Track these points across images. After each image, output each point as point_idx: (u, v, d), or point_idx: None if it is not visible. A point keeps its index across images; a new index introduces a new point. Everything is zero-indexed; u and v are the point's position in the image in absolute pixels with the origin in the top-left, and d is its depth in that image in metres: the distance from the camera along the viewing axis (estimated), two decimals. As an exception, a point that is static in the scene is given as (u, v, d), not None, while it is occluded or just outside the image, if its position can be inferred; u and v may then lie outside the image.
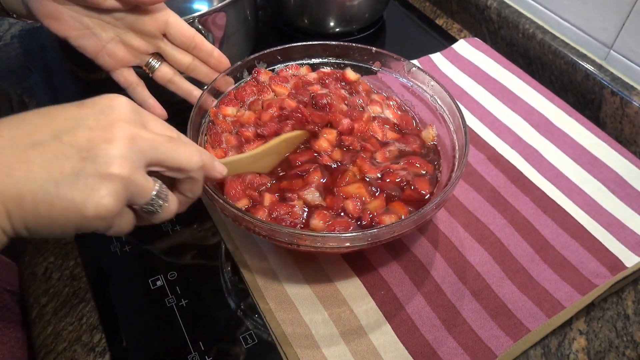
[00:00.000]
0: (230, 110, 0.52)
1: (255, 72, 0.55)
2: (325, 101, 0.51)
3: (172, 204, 0.34)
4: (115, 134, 0.29)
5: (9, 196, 0.27)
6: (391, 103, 0.55)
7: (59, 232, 0.29)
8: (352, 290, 0.47)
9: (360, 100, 0.54)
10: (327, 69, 0.57)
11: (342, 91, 0.55)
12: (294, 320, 0.44)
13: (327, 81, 0.56)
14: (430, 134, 0.51)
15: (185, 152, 0.33)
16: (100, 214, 0.28)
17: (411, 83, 0.54)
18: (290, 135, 0.48)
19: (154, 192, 0.32)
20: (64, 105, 0.30)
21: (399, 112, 0.54)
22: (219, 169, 0.38)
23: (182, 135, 0.36)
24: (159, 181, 0.32)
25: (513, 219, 0.52)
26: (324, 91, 0.53)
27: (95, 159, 0.28)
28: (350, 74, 0.56)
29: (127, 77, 0.50)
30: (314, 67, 0.57)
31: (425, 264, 0.48)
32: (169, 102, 0.52)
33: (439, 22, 0.82)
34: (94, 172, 0.28)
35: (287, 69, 0.56)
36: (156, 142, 0.31)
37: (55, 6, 0.45)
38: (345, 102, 0.54)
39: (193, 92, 0.51)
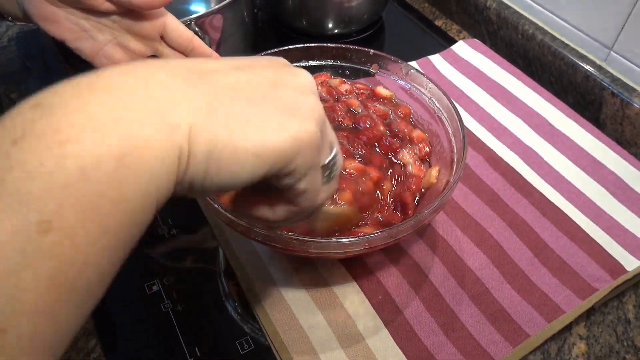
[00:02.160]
0: None
1: None
2: (366, 124, 0.49)
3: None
4: (311, 89, 0.27)
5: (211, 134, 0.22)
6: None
7: (244, 174, 0.24)
8: (350, 294, 0.46)
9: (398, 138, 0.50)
10: (361, 84, 0.55)
11: (381, 107, 0.53)
12: (290, 325, 0.44)
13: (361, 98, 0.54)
14: (432, 175, 0.48)
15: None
16: (300, 140, 0.24)
17: (409, 85, 0.53)
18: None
19: (335, 149, 0.29)
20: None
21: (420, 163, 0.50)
22: None
23: None
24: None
25: (512, 222, 0.51)
26: (364, 112, 0.51)
27: (300, 100, 0.26)
28: (383, 91, 0.54)
29: None
30: (312, 70, 0.57)
31: (423, 268, 0.48)
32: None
33: (438, 23, 0.82)
34: (288, 85, 0.26)
35: (316, 78, 0.55)
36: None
37: (52, 9, 0.44)
38: (384, 128, 0.51)
39: None
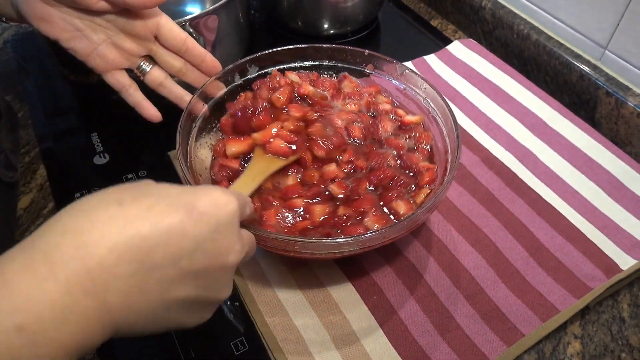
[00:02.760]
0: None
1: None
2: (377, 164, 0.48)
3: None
4: (229, 261, 0.30)
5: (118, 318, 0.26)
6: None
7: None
8: (345, 295, 0.46)
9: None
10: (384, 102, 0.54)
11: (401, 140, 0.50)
12: (285, 326, 0.44)
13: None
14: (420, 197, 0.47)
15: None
16: (201, 323, 0.31)
17: (404, 86, 0.53)
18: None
19: (240, 252, 0.32)
20: (177, 210, 0.28)
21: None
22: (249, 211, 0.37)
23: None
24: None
25: (507, 222, 0.51)
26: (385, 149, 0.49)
27: (209, 288, 0.30)
28: (412, 118, 0.52)
29: (120, 79, 0.49)
30: (308, 70, 0.57)
31: (418, 268, 0.48)
32: (162, 104, 0.52)
33: (434, 23, 0.82)
34: (206, 300, 0.30)
35: (369, 88, 0.54)
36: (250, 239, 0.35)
37: (46, 8, 0.44)
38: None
39: (184, 97, 0.51)
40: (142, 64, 0.49)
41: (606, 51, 0.62)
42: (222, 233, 0.29)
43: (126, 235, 0.25)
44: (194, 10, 0.75)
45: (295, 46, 0.55)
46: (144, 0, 0.44)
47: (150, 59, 0.50)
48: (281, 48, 0.54)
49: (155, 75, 0.50)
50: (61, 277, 0.24)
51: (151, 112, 0.51)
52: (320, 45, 0.55)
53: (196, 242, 0.28)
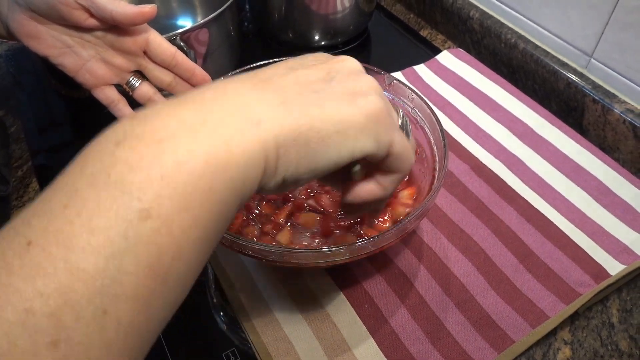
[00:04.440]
0: None
1: None
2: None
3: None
4: (360, 70, 0.29)
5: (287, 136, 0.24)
6: None
7: (326, 165, 0.26)
8: (336, 304, 0.46)
9: None
10: None
11: None
12: (276, 336, 0.44)
13: None
14: (404, 197, 0.49)
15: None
16: (377, 115, 0.27)
17: (392, 96, 0.54)
18: None
19: (400, 110, 0.31)
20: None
21: None
22: None
23: None
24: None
25: (497, 229, 0.52)
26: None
27: (358, 81, 0.28)
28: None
29: (109, 94, 0.50)
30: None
31: (409, 276, 0.48)
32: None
33: (424, 33, 0.83)
34: (357, 90, 0.27)
35: None
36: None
37: (35, 25, 0.45)
38: None
39: None
40: (131, 79, 0.50)
41: (592, 59, 0.62)
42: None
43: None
44: (185, 23, 0.76)
45: (286, 58, 0.55)
46: (132, 17, 0.44)
47: (140, 74, 0.50)
48: (270, 60, 0.55)
49: (144, 91, 0.50)
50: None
51: None
52: (309, 57, 0.56)
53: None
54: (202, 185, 0.21)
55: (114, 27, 0.46)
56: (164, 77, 0.50)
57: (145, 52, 0.49)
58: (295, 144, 0.24)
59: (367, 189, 0.30)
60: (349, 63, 0.29)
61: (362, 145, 0.26)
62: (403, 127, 0.31)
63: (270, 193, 0.27)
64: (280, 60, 0.53)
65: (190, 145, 0.21)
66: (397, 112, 0.31)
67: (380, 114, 0.27)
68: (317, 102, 0.25)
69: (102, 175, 0.19)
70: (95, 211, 0.18)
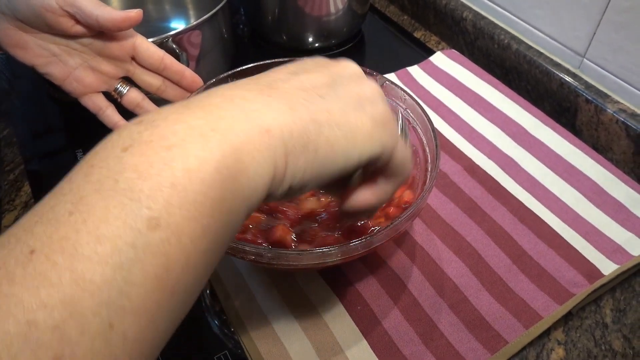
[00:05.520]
0: None
1: None
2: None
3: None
4: (361, 75, 0.29)
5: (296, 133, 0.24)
6: None
7: (334, 170, 0.26)
8: (329, 306, 0.46)
9: None
10: None
11: None
12: (268, 339, 0.44)
13: None
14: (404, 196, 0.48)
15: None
16: (383, 120, 0.27)
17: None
18: None
19: (398, 114, 0.32)
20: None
21: None
22: None
23: None
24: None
25: (490, 230, 0.52)
26: None
27: (361, 86, 0.28)
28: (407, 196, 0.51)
29: (96, 101, 0.50)
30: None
31: (402, 277, 0.48)
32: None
33: (417, 34, 0.83)
34: (362, 95, 0.27)
35: None
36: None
37: (20, 35, 0.45)
38: None
39: None
40: (118, 86, 0.50)
41: (585, 59, 0.63)
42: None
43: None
44: (178, 26, 0.76)
45: (276, 60, 0.55)
46: (119, 22, 0.44)
47: (127, 80, 0.50)
48: (262, 62, 0.55)
49: (132, 97, 0.50)
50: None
51: None
52: (301, 58, 0.55)
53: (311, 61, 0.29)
54: (213, 195, 0.20)
55: (101, 33, 0.46)
56: (153, 81, 0.50)
57: (133, 58, 0.48)
58: (304, 151, 0.23)
59: (368, 194, 0.30)
60: (351, 68, 0.29)
61: (370, 150, 0.26)
62: (402, 131, 0.31)
63: (275, 200, 0.27)
64: (275, 62, 0.53)
65: (200, 153, 0.20)
66: (397, 116, 0.31)
67: (387, 120, 0.27)
68: (324, 108, 0.25)
69: (110, 182, 0.19)
70: (102, 219, 0.18)
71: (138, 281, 0.18)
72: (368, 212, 0.32)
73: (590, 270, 0.48)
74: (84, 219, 0.18)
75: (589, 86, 0.61)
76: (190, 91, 0.51)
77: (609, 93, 0.60)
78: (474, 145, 0.61)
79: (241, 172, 0.21)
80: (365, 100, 0.27)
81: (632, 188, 0.54)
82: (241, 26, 0.84)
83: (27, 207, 0.56)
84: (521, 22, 0.69)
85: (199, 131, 0.21)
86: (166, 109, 0.22)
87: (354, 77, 0.28)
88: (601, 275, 0.47)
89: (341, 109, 0.25)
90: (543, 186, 0.56)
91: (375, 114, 0.26)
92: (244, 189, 0.21)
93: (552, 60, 0.65)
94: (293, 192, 0.25)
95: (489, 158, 0.59)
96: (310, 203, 0.48)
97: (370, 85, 0.28)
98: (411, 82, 0.70)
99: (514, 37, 0.69)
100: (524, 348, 0.44)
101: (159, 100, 0.52)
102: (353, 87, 0.27)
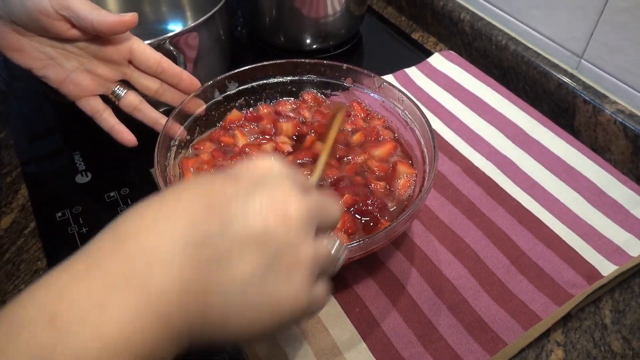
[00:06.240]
0: None
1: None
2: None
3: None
4: (291, 210, 0.26)
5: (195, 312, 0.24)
6: None
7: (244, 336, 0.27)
8: (327, 308, 0.46)
9: None
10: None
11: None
12: (267, 342, 0.43)
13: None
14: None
15: (333, 204, 0.30)
16: (298, 302, 0.26)
17: (382, 98, 0.54)
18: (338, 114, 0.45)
19: (336, 252, 0.29)
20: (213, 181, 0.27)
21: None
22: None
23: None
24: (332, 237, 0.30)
25: (489, 231, 0.51)
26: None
27: (282, 254, 0.25)
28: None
29: (93, 105, 0.50)
30: (289, 85, 0.57)
31: (401, 279, 0.48)
32: (138, 128, 0.52)
33: (415, 36, 0.83)
34: (283, 264, 0.25)
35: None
36: (319, 202, 0.28)
37: (17, 38, 0.44)
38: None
39: (159, 121, 0.51)
40: (116, 89, 0.49)
41: (582, 60, 0.63)
42: (270, 184, 0.26)
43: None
44: (175, 28, 0.75)
45: (274, 62, 0.55)
46: (114, 26, 0.44)
47: (125, 83, 0.50)
48: (259, 64, 0.55)
49: (130, 100, 0.50)
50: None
51: (125, 136, 0.51)
52: (299, 60, 0.55)
53: (239, 196, 0.25)
54: None
55: (97, 37, 0.46)
56: (151, 84, 0.50)
57: (130, 61, 0.48)
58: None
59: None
60: (302, 251, 0.26)
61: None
62: (336, 256, 0.30)
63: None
64: (272, 64, 0.53)
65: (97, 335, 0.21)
66: (335, 260, 0.30)
67: (298, 313, 0.27)
68: (240, 312, 0.25)
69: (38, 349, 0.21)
70: None
71: None
72: None
73: (589, 271, 0.48)
74: None
75: (586, 87, 0.61)
76: (187, 94, 0.51)
77: (607, 94, 0.60)
78: (472, 147, 0.60)
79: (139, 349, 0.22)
80: (287, 296, 0.26)
81: (631, 189, 0.54)
82: (239, 28, 0.84)
83: (24, 209, 0.56)
84: (519, 23, 0.69)
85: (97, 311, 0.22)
86: (72, 272, 0.23)
87: (290, 247, 0.26)
88: (600, 276, 0.47)
89: (255, 316, 0.26)
90: (541, 187, 0.56)
91: (288, 314, 0.26)
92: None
93: (549, 61, 0.65)
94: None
95: (487, 159, 0.59)
96: None
97: (300, 278, 0.26)
98: (409, 83, 0.70)
99: (511, 38, 0.69)
100: (523, 349, 0.44)
101: (157, 103, 0.52)
102: (282, 274, 0.25)
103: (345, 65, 0.55)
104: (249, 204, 0.25)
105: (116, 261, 0.23)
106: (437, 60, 0.72)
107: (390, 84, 0.52)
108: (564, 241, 0.50)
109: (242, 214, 0.25)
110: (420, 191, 0.45)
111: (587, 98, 0.60)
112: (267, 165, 0.27)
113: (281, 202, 0.26)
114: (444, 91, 0.68)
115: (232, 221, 0.25)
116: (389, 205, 0.48)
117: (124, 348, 0.22)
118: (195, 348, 0.26)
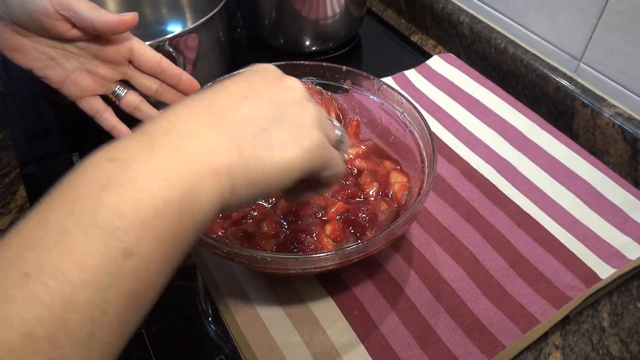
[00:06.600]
0: None
1: None
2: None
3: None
4: (304, 97, 0.32)
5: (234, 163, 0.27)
6: None
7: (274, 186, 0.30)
8: (326, 310, 0.46)
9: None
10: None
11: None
12: (265, 344, 0.43)
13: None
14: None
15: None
16: (317, 148, 0.30)
17: (381, 101, 0.54)
18: None
19: (336, 124, 0.35)
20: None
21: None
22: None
23: None
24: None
25: (487, 234, 0.51)
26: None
27: (302, 115, 0.31)
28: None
29: (94, 105, 0.50)
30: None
31: (399, 281, 0.48)
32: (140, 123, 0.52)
33: (414, 38, 0.83)
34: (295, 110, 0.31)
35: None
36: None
37: (17, 38, 0.44)
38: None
39: None
40: (116, 89, 0.49)
41: (581, 63, 0.63)
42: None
43: None
44: (175, 29, 0.75)
45: (273, 64, 0.55)
46: (114, 25, 0.44)
47: (125, 83, 0.50)
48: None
49: (130, 100, 0.50)
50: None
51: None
52: (298, 62, 0.55)
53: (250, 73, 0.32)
54: (174, 228, 0.24)
55: (97, 37, 0.46)
56: (151, 84, 0.50)
57: (130, 61, 0.48)
58: (247, 185, 0.28)
59: (305, 195, 0.36)
60: (295, 92, 0.32)
61: (302, 174, 0.30)
62: (340, 140, 0.35)
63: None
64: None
65: (167, 194, 0.24)
66: (335, 127, 0.35)
67: (320, 148, 0.31)
68: (267, 144, 0.29)
69: (89, 218, 0.22)
70: (85, 250, 0.21)
71: (114, 300, 0.22)
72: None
73: (587, 274, 0.48)
74: (69, 249, 0.21)
75: (585, 90, 0.61)
76: (187, 94, 0.51)
77: (606, 97, 0.60)
78: (471, 149, 0.61)
79: (196, 206, 0.25)
80: (304, 132, 0.30)
81: (629, 192, 0.54)
82: (238, 29, 0.84)
83: (22, 210, 0.56)
84: (518, 26, 0.70)
85: (165, 175, 0.24)
86: (134, 146, 0.25)
87: (298, 103, 0.31)
88: (598, 279, 0.47)
89: (282, 146, 0.29)
90: (540, 190, 0.56)
91: (312, 145, 0.30)
92: (199, 222, 0.26)
93: (548, 64, 0.65)
94: (239, 208, 0.30)
95: (486, 162, 0.59)
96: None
97: (311, 110, 0.31)
98: (408, 85, 0.70)
99: (510, 41, 0.69)
100: (521, 352, 0.44)
101: (157, 103, 0.52)
102: (295, 118, 0.31)
103: (344, 68, 0.55)
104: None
105: (169, 137, 0.26)
106: (436, 62, 0.72)
107: (389, 86, 0.52)
108: (562, 244, 0.50)
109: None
110: (419, 194, 0.45)
111: (585, 101, 0.60)
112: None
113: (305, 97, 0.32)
114: (443, 94, 0.68)
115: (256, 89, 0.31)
116: (380, 217, 0.48)
117: (194, 210, 0.25)
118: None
